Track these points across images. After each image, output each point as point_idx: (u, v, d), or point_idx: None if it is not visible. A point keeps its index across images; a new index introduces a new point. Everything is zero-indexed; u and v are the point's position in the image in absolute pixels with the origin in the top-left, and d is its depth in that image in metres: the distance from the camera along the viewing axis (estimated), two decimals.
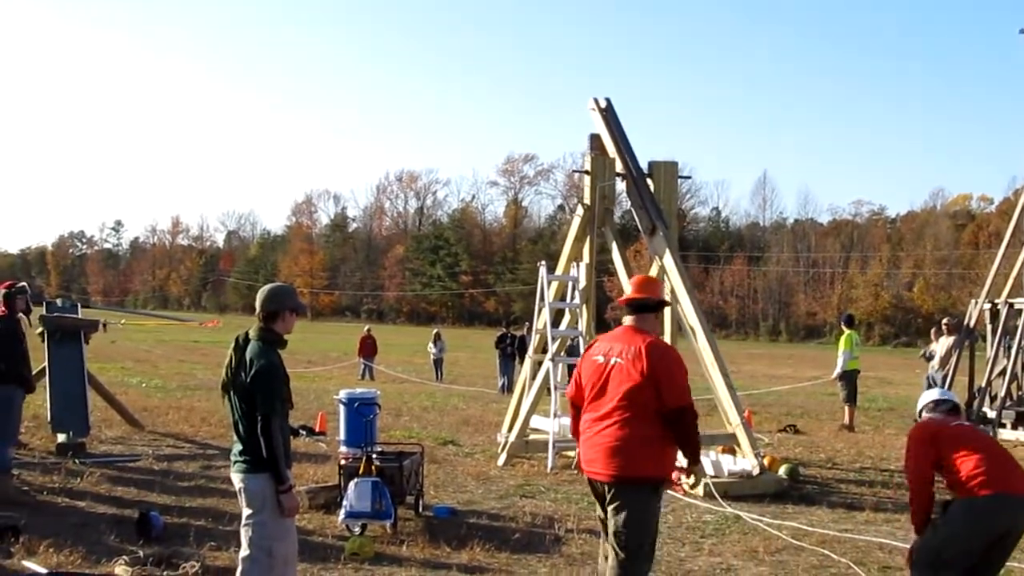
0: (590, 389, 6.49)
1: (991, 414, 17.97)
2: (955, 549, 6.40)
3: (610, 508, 6.31)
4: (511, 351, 27.79)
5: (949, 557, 6.40)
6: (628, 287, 6.81)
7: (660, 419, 6.23)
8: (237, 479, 6.24)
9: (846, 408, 19.68)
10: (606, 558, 6.53)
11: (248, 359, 6.14)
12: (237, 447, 6.23)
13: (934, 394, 7.26)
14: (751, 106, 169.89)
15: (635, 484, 6.24)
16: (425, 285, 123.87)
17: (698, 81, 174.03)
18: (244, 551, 6.22)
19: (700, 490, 11.81)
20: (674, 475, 12.51)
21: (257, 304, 6.33)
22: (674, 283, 13.92)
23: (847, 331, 20.23)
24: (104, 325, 17.58)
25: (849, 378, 19.66)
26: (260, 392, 6.06)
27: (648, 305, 6.65)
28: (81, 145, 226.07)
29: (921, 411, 7.14)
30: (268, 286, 6.52)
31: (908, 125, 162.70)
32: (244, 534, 6.23)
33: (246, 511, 6.22)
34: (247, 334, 6.30)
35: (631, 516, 6.23)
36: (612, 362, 6.39)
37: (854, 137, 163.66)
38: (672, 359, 6.37)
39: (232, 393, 6.21)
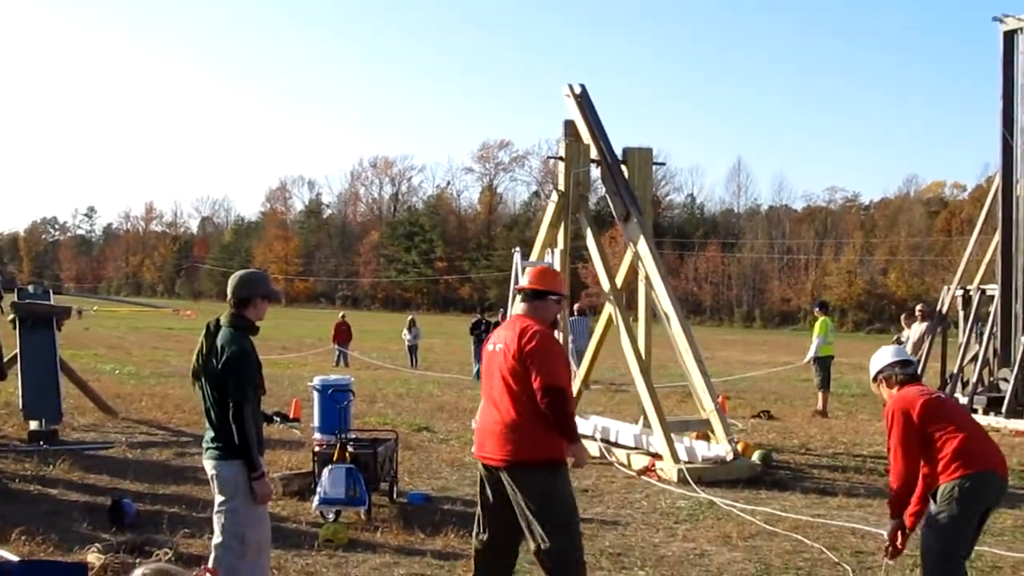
0: (485, 377, 6.62)
1: (963, 400, 18.09)
2: (960, 539, 6.24)
3: (515, 495, 6.30)
4: (486, 337, 27.77)
5: (957, 550, 6.25)
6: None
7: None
8: (209, 466, 6.22)
9: (819, 394, 19.78)
10: (479, 539, 6.57)
11: (219, 346, 6.11)
12: (209, 434, 6.21)
13: (890, 354, 6.80)
14: (726, 93, 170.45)
15: (529, 467, 6.25)
16: (400, 271, 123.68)
17: (673, 68, 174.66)
18: (217, 538, 6.20)
19: (674, 475, 11.86)
20: (648, 461, 12.58)
21: (229, 290, 6.31)
22: (648, 269, 13.94)
23: (821, 317, 20.37)
24: (80, 312, 17.49)
25: (823, 364, 19.76)
26: (232, 379, 6.03)
27: (532, 293, 6.68)
28: (53, 131, 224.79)
29: (881, 373, 6.72)
30: (240, 272, 6.49)
31: (882, 112, 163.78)
32: (216, 521, 6.20)
33: (218, 498, 6.19)
34: (218, 320, 6.28)
35: (541, 500, 6.23)
36: (497, 349, 6.51)
37: (828, 124, 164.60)
38: (543, 342, 6.38)
39: (203, 380, 6.18)
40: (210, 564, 6.19)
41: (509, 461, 6.28)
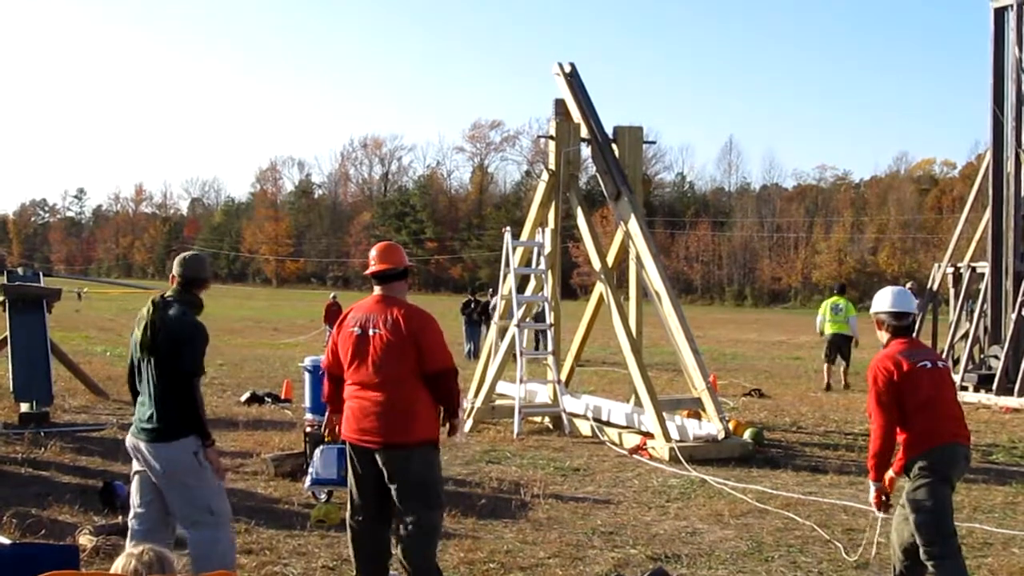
0: (349, 359, 6.54)
1: (955, 377, 18.15)
2: (946, 502, 6.29)
3: (392, 475, 6.34)
4: (477, 317, 27.79)
5: (946, 511, 6.30)
6: (373, 255, 6.86)
7: (423, 382, 6.39)
8: (148, 448, 6.07)
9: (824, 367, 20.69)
10: (355, 519, 6.57)
11: (170, 319, 6.11)
12: (147, 412, 6.10)
13: (887, 302, 6.62)
14: (716, 71, 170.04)
15: (412, 447, 6.34)
16: None
17: (663, 46, 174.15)
18: (184, 521, 6.08)
19: (666, 454, 11.88)
20: (640, 440, 12.57)
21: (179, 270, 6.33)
22: (639, 248, 13.93)
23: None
24: (79, 295, 17.46)
25: (828, 340, 20.64)
26: (191, 350, 6.06)
27: (394, 274, 6.71)
28: (42, 113, 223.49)
29: (877, 316, 6.63)
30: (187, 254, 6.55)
31: (872, 90, 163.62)
32: (179, 508, 6.08)
33: (170, 481, 6.06)
34: (163, 296, 6.22)
35: (420, 478, 6.34)
36: (371, 333, 6.46)
37: (819, 102, 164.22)
38: (429, 324, 6.50)
39: (149, 356, 6.09)
40: (188, 546, 6.08)
41: (389, 443, 6.32)
